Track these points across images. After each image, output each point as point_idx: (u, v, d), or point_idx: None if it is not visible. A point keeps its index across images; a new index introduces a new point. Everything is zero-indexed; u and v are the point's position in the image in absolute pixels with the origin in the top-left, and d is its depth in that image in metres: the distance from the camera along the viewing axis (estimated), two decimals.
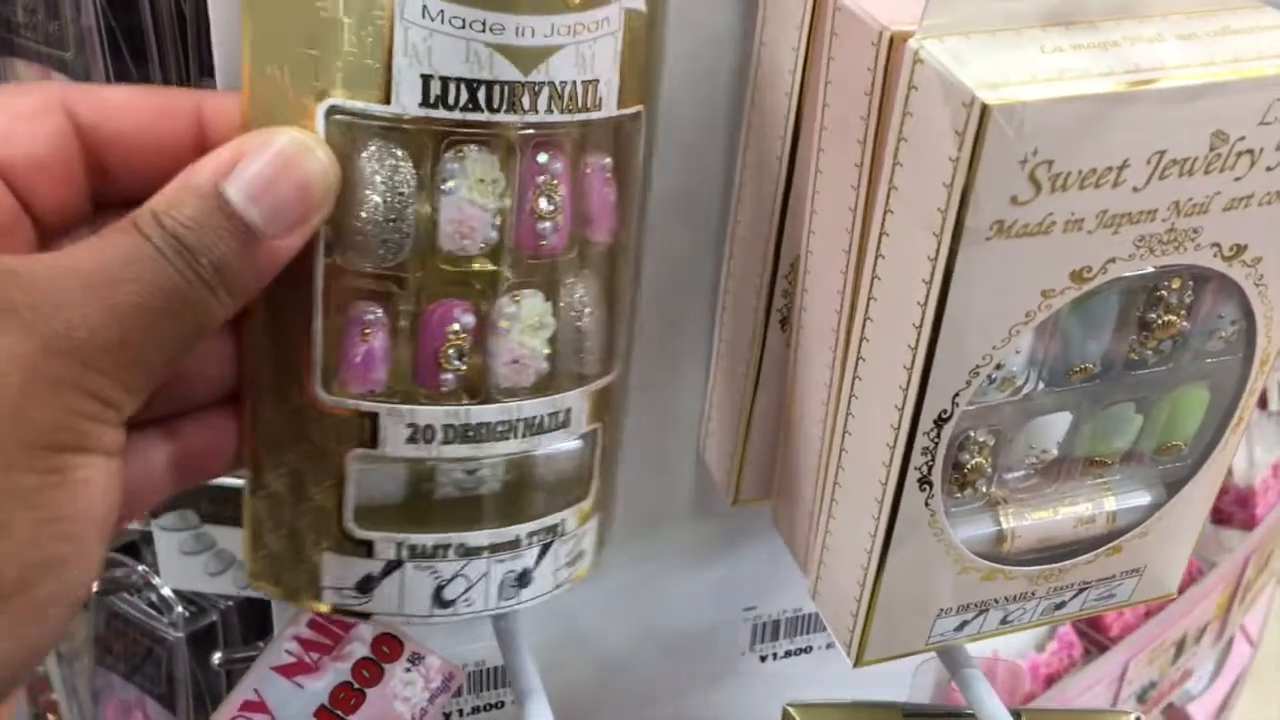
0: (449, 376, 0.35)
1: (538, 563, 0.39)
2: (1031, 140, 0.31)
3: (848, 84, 0.36)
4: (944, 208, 0.32)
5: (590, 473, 0.40)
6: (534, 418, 0.37)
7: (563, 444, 0.39)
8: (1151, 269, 0.35)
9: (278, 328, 0.35)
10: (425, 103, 0.32)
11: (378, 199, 0.33)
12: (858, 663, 0.43)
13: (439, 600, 0.38)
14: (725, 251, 0.47)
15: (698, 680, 0.60)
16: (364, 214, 0.33)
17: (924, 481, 0.38)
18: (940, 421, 0.36)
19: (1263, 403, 1.06)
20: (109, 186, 0.34)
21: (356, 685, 0.44)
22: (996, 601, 0.42)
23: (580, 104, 0.34)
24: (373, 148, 0.33)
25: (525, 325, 0.36)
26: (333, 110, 0.32)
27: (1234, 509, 1.01)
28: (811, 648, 0.61)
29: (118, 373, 0.30)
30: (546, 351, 0.37)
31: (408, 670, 0.47)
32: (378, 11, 0.32)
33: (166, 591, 0.62)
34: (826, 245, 0.40)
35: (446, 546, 0.37)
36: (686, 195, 0.45)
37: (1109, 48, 0.33)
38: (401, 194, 0.33)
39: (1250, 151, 0.33)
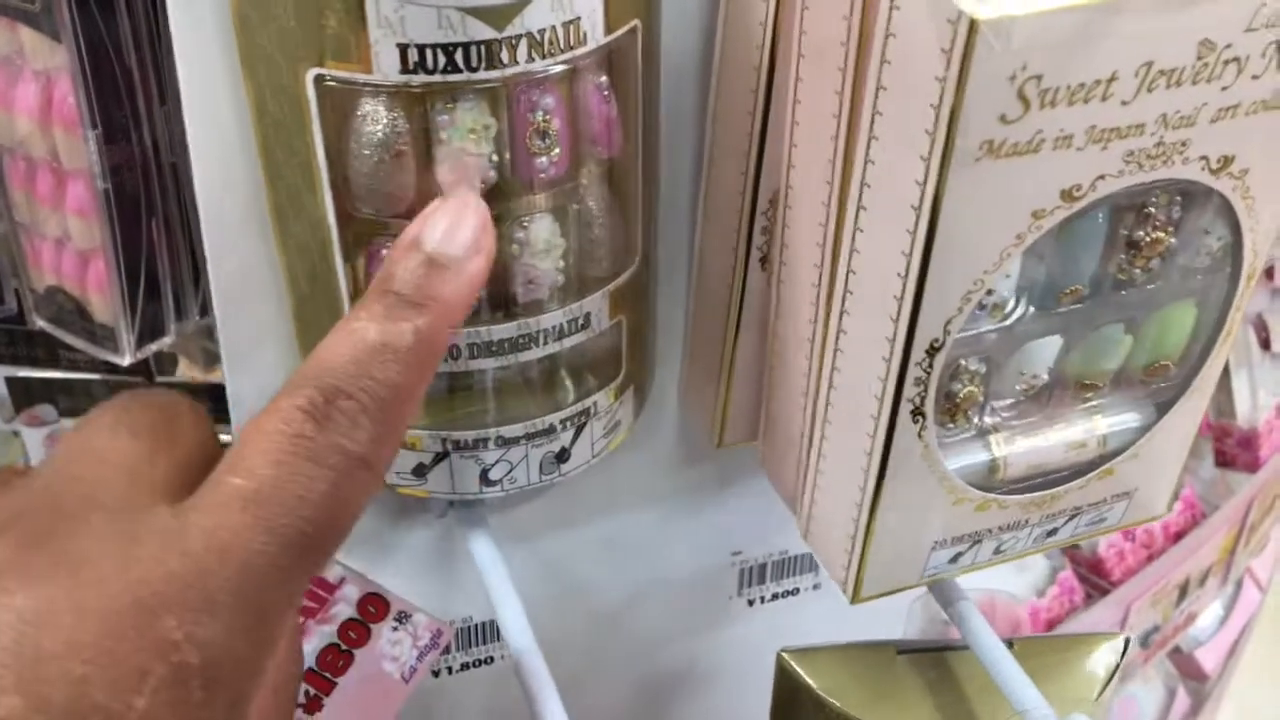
0: None
1: (574, 441, 0.43)
2: (1020, 55, 0.30)
3: (825, 9, 0.35)
4: (932, 129, 0.31)
5: (619, 354, 0.43)
6: (553, 327, 0.39)
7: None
8: (1139, 185, 0.35)
9: (305, 264, 0.37)
10: (405, 69, 0.33)
11: (375, 156, 0.34)
12: (854, 599, 0.42)
13: (486, 480, 0.42)
14: (700, 190, 0.46)
15: (686, 628, 0.60)
16: (365, 170, 0.34)
17: (917, 413, 0.37)
18: (932, 351, 0.36)
19: (1265, 344, 1.05)
20: None
21: (344, 647, 0.44)
22: (990, 531, 0.42)
23: (562, 45, 0.34)
24: (366, 108, 0.34)
25: (535, 250, 0.37)
26: (320, 78, 0.33)
27: (1238, 451, 1.00)
28: (799, 589, 0.61)
29: None
30: (559, 267, 0.38)
31: (395, 629, 0.47)
32: None
33: None
34: (807, 178, 0.39)
35: (486, 439, 0.40)
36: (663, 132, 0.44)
37: None
38: (399, 150, 0.34)
39: (1237, 60, 0.33)
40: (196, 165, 0.38)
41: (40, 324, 0.51)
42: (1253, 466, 1.03)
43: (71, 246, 0.47)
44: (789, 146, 0.39)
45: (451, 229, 0.31)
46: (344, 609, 0.44)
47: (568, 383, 0.43)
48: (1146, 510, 0.46)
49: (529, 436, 0.41)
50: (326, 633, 0.44)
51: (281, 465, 0.26)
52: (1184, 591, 0.93)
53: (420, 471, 0.42)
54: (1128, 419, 0.42)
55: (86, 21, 0.42)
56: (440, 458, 0.41)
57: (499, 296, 0.38)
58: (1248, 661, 1.09)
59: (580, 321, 0.40)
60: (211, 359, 0.57)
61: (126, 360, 0.50)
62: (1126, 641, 0.47)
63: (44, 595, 0.23)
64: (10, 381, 0.56)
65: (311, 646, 0.43)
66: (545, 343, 0.39)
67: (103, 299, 0.48)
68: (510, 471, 0.42)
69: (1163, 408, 0.43)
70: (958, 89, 0.30)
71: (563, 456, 0.43)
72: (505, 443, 0.41)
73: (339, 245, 0.37)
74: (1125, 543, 0.88)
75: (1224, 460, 1.02)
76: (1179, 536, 0.90)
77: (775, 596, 0.61)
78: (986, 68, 0.30)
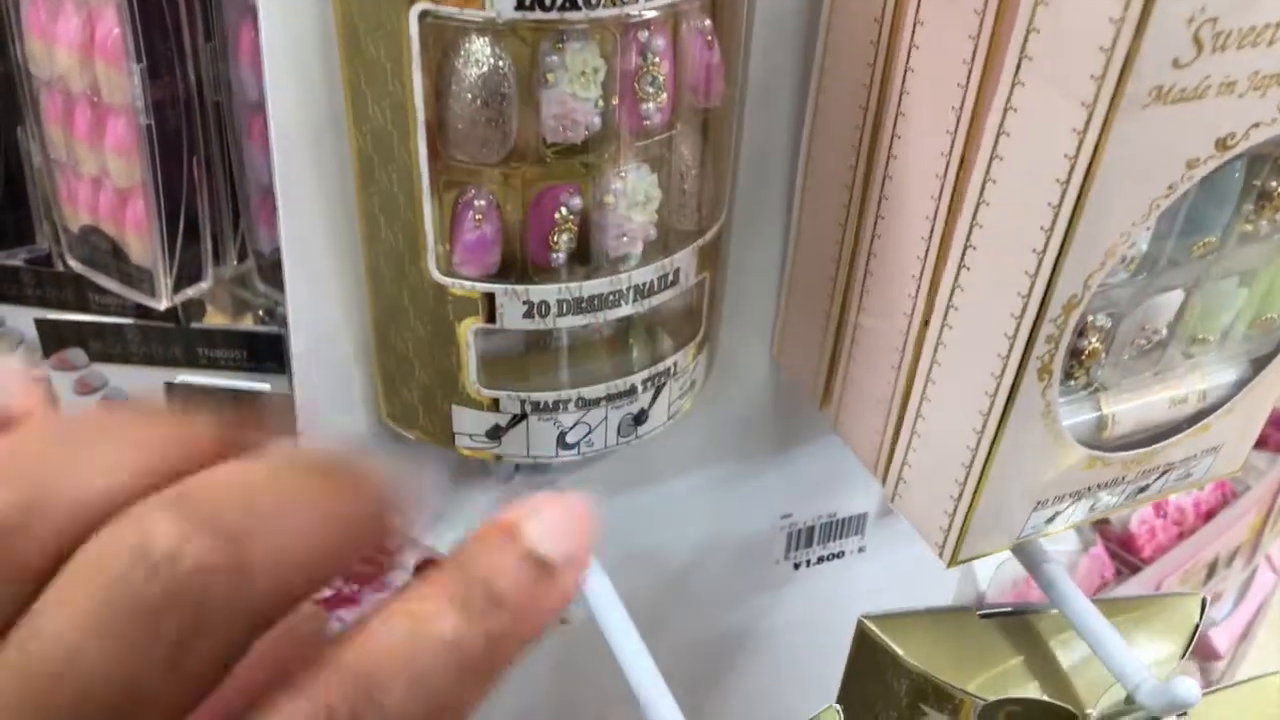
0: (559, 255, 0.36)
1: (653, 403, 0.41)
2: None
3: None
4: (1100, 74, 0.30)
5: (699, 312, 0.42)
6: (644, 283, 0.37)
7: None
8: None
9: (390, 210, 0.35)
10: (520, 6, 0.31)
11: (477, 100, 0.32)
12: (951, 563, 0.41)
13: (563, 443, 0.40)
14: (802, 144, 0.44)
15: (735, 591, 0.59)
16: (465, 114, 0.32)
17: (1044, 371, 0.36)
18: (1070, 307, 0.34)
19: None
20: None
21: None
22: (1089, 489, 0.41)
23: None
24: (470, 47, 0.32)
25: (632, 201, 0.36)
26: (425, 14, 0.31)
27: (1269, 431, 0.98)
28: (844, 553, 0.60)
29: None
30: (653, 220, 0.37)
31: None
32: None
33: None
34: (922, 128, 0.37)
35: (566, 401, 0.39)
36: (755, 82, 0.42)
37: None
38: (501, 94, 0.32)
39: None
40: (273, 106, 0.36)
41: (73, 265, 0.48)
42: None
43: (110, 185, 0.44)
44: (900, 94, 0.38)
45: (558, 531, 0.23)
46: (400, 576, 0.43)
47: (648, 341, 0.41)
48: (1228, 465, 0.46)
49: (610, 398, 0.40)
50: (381, 600, 0.42)
51: None
52: (1212, 571, 0.92)
53: (495, 434, 0.40)
54: (1226, 373, 0.42)
55: None
56: (517, 419, 0.39)
57: (589, 250, 0.36)
58: (1260, 643, 1.10)
59: (670, 278, 0.38)
60: (241, 306, 0.54)
61: (163, 305, 0.47)
62: (1204, 602, 0.46)
63: None
64: (40, 324, 0.53)
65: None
66: (634, 299, 0.38)
67: (141, 240, 0.45)
68: (588, 434, 0.40)
69: (1258, 363, 0.42)
70: (1136, 31, 0.29)
71: (641, 418, 0.41)
72: (585, 404, 0.39)
73: (429, 193, 0.34)
74: (1156, 519, 0.87)
75: (1256, 440, 0.99)
76: (1210, 515, 0.90)
77: (821, 560, 0.60)
78: (1169, 9, 0.28)
